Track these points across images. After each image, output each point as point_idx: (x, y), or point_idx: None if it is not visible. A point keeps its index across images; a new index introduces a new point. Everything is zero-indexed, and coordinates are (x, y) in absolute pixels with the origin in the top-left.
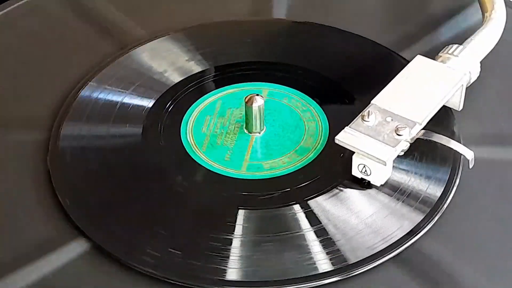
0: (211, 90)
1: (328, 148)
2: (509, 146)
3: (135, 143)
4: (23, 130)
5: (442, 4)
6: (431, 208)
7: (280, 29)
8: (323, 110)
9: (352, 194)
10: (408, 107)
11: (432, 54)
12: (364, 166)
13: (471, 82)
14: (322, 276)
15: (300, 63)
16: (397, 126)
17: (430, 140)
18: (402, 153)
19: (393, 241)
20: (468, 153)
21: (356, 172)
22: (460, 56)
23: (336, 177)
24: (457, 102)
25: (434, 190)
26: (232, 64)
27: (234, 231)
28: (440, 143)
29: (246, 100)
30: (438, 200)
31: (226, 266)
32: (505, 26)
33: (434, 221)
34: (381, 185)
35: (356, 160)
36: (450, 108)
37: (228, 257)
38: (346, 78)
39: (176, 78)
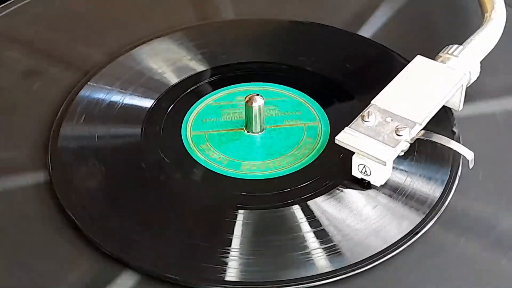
0: (211, 90)
1: (328, 149)
2: (509, 146)
3: (135, 143)
4: (23, 130)
5: (442, 4)
6: (430, 208)
7: (280, 29)
8: (323, 110)
9: (352, 195)
10: (408, 107)
11: (432, 54)
12: (364, 167)
13: (471, 82)
14: (322, 276)
15: (300, 63)
16: (397, 126)
17: (430, 140)
18: (402, 154)
19: (393, 242)
20: (468, 154)
21: (356, 172)
22: (460, 56)
23: (336, 178)
24: (457, 102)
25: (434, 191)
26: (232, 64)
27: (233, 231)
28: (440, 143)
29: (246, 100)
30: (437, 200)
31: (226, 266)
32: (505, 26)
33: (434, 222)
34: (381, 186)
35: (356, 161)
36: (450, 108)
37: (227, 257)
38: (346, 78)
39: (176, 78)
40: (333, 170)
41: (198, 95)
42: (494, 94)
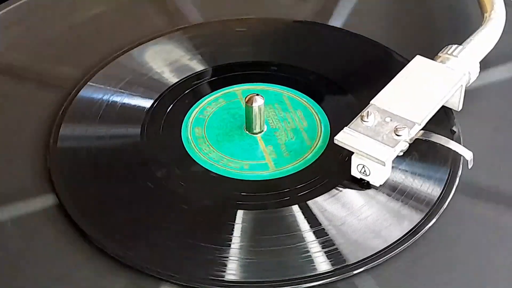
0: (211, 90)
1: (328, 149)
2: (509, 146)
3: (135, 143)
4: (23, 130)
5: (442, 4)
6: (430, 208)
7: (280, 29)
8: (323, 110)
9: (351, 195)
10: (407, 108)
11: (432, 54)
12: (363, 167)
13: (471, 82)
14: (321, 276)
15: (300, 63)
16: (396, 126)
17: (429, 140)
18: (402, 154)
19: (393, 241)
20: (467, 154)
21: (355, 172)
22: (459, 56)
23: (335, 178)
24: (456, 102)
25: (434, 190)
26: (232, 64)
27: (233, 231)
28: (439, 144)
29: (246, 100)
30: (437, 200)
31: (226, 266)
32: (504, 26)
33: (434, 221)
34: (380, 185)
35: (355, 161)
36: (450, 108)
37: (227, 257)
38: (345, 78)
39: (175, 78)
40: (333, 170)
41: (198, 95)
42: (494, 93)
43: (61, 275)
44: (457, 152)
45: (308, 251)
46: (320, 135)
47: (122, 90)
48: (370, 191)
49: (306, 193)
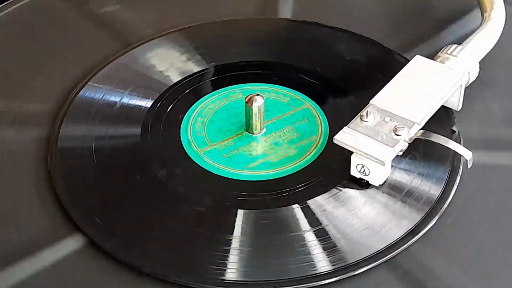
0: (211, 90)
1: (327, 148)
2: (509, 145)
3: (135, 143)
4: (23, 130)
5: (441, 4)
6: (430, 207)
7: (280, 29)
8: (323, 110)
9: (351, 194)
10: (406, 107)
11: (431, 54)
12: (363, 166)
13: (470, 82)
14: (322, 276)
15: (300, 63)
16: (395, 126)
17: (428, 140)
18: (401, 153)
19: (393, 241)
20: (466, 153)
21: (354, 172)
22: (459, 56)
23: (335, 177)
24: (456, 102)
25: (434, 190)
26: (232, 64)
27: (233, 231)
28: (439, 143)
29: (246, 100)
30: (437, 199)
31: (226, 266)
32: (504, 26)
33: (434, 221)
34: (380, 185)
35: (354, 160)
36: (450, 108)
37: (227, 257)
38: (346, 78)
39: (175, 78)
40: (333, 169)
41: (197, 95)
42: (494, 93)
43: (60, 275)
44: (457, 152)
45: (308, 251)
46: (320, 135)
47: (122, 90)
48: (369, 191)
49: (306, 193)
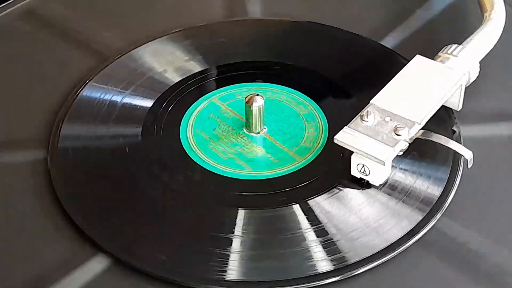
0: (211, 90)
1: (328, 148)
2: (509, 145)
3: (135, 143)
4: (23, 130)
5: (442, 4)
6: (430, 207)
7: (280, 29)
8: (323, 110)
9: (351, 194)
10: (407, 107)
11: (432, 54)
12: (363, 166)
13: (470, 82)
14: (322, 276)
15: (300, 63)
16: (396, 126)
17: (429, 140)
18: (401, 153)
19: (393, 241)
20: (466, 153)
21: (355, 171)
22: (459, 56)
23: (335, 177)
24: (456, 102)
25: (434, 190)
26: (232, 64)
27: (233, 231)
28: (439, 143)
29: (246, 100)
30: (437, 199)
31: (226, 266)
32: (504, 26)
33: (434, 221)
34: (380, 185)
35: (355, 160)
36: (450, 108)
37: (228, 257)
38: (346, 78)
39: (176, 78)
40: (333, 169)
41: (198, 95)
42: (494, 93)
43: (60, 274)
44: (457, 152)
45: (308, 251)
46: (320, 135)
47: (123, 90)
48: (370, 191)
49: (306, 193)
